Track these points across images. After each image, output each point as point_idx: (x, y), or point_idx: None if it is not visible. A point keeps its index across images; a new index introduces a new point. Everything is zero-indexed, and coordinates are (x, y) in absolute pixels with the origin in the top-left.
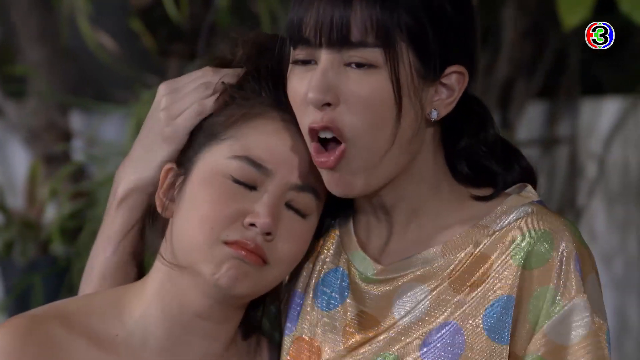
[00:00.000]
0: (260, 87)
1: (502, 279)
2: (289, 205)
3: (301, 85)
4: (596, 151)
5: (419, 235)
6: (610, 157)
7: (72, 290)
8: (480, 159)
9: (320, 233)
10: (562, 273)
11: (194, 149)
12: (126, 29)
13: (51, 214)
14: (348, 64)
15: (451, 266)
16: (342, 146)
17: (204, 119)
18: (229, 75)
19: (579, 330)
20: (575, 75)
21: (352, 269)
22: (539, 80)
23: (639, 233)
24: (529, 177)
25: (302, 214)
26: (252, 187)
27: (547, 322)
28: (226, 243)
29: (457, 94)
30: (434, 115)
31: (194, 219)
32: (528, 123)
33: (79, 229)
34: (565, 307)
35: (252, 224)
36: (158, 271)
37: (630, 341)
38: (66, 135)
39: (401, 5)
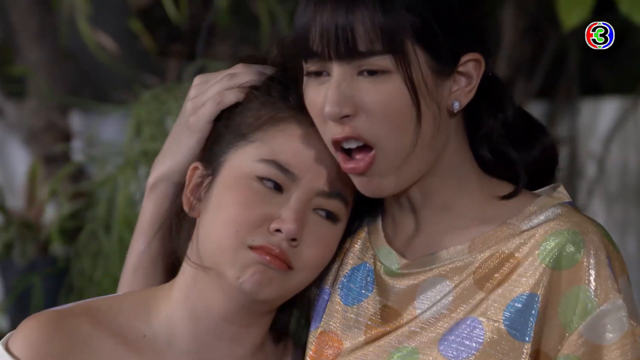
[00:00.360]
0: (288, 91)
1: (527, 277)
2: (317, 211)
3: (317, 97)
4: (595, 151)
5: (447, 231)
6: (609, 158)
7: (72, 290)
8: (499, 145)
9: (348, 233)
10: (595, 273)
11: (222, 149)
12: (125, 29)
13: (51, 214)
14: (360, 73)
15: (476, 263)
16: (373, 152)
17: (231, 119)
18: (256, 72)
19: (615, 330)
20: (574, 75)
21: (378, 263)
22: (539, 81)
23: (638, 233)
24: (549, 154)
25: (331, 219)
26: (278, 191)
27: (582, 322)
28: (251, 248)
29: (475, 81)
30: (456, 106)
31: (219, 221)
32: None
33: (79, 229)
34: (602, 307)
35: (278, 230)
36: (185, 273)
37: None
38: (66, 136)
39: (402, 6)
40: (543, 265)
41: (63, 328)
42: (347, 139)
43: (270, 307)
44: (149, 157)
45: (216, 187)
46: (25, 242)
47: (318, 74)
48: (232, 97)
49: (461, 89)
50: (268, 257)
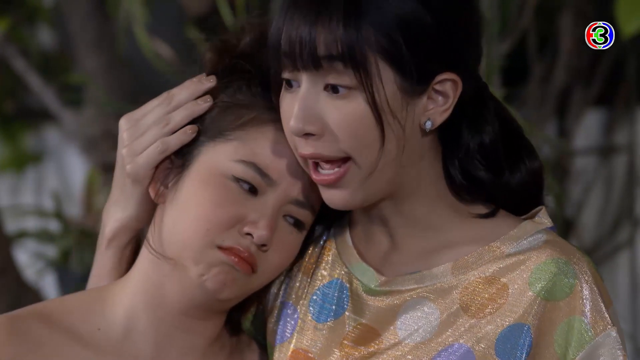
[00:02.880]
0: (269, 93)
1: (517, 306)
2: (286, 217)
3: (289, 109)
4: None
5: (424, 249)
6: None
7: None
8: (467, 166)
9: (309, 241)
10: (590, 304)
11: (196, 141)
12: (182, 37)
13: None
14: (325, 88)
15: (462, 286)
16: (348, 164)
17: (207, 113)
18: (190, 110)
19: None
20: (633, 83)
21: (354, 280)
22: (597, 88)
23: None
24: (534, 180)
25: (298, 227)
26: (253, 193)
27: (579, 353)
28: (220, 248)
29: (452, 101)
30: (428, 125)
31: (190, 216)
32: (585, 131)
33: None
34: (597, 338)
35: (249, 233)
36: (144, 259)
37: None
38: None
39: (368, 21)
40: (534, 294)
41: (15, 332)
42: (312, 157)
43: (226, 306)
44: None
45: (187, 180)
46: (83, 250)
47: (290, 84)
48: (176, 142)
49: (436, 108)
50: (235, 259)
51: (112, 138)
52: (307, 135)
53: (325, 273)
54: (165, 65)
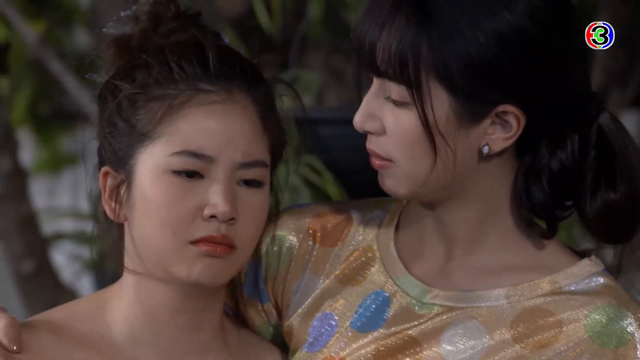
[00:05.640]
0: (172, 71)
1: (569, 346)
2: (240, 183)
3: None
4: None
5: (481, 269)
6: None
7: None
8: (533, 190)
9: (347, 249)
10: None
11: (127, 152)
12: None
13: None
14: (387, 98)
15: (515, 314)
16: (387, 163)
17: (124, 121)
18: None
19: None
20: None
21: (399, 292)
22: (633, 90)
23: None
24: (609, 214)
25: (256, 186)
26: (199, 178)
27: None
28: (193, 242)
29: (514, 132)
30: (485, 150)
31: (152, 225)
32: None
33: None
34: None
35: (213, 216)
36: (129, 276)
37: None
38: None
39: (427, 40)
40: (588, 337)
41: (25, 344)
42: (369, 151)
43: (220, 287)
44: None
45: (136, 191)
46: (121, 252)
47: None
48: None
49: (498, 135)
50: (210, 248)
51: None
52: (366, 132)
53: (366, 283)
54: None
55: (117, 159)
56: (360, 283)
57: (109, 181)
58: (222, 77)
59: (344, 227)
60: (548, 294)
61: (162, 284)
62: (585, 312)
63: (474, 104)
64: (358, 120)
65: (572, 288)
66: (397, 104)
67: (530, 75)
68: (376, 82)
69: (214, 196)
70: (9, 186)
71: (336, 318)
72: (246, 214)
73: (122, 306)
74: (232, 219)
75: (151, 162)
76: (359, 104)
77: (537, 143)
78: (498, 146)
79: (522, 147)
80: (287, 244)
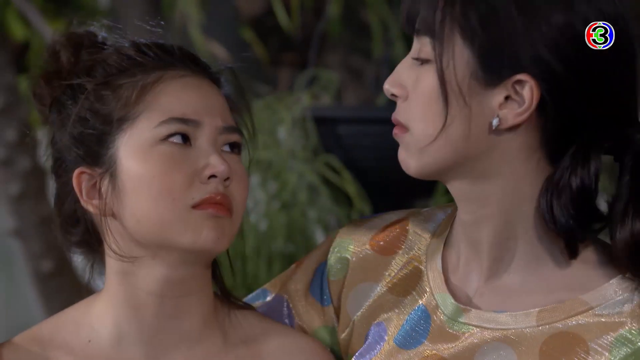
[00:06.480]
0: (134, 58)
1: None
2: (224, 147)
3: None
4: None
5: (516, 288)
6: None
7: None
8: (557, 208)
9: (397, 259)
10: None
11: (105, 143)
12: (237, 38)
13: None
14: (415, 58)
15: (544, 338)
16: (403, 129)
17: (93, 110)
18: None
19: None
20: None
21: (438, 309)
22: None
23: None
24: (636, 246)
25: (238, 151)
26: (187, 143)
27: None
28: (194, 207)
29: (527, 107)
30: (495, 123)
31: (150, 199)
32: None
33: None
34: None
35: (212, 175)
36: (112, 274)
37: None
38: None
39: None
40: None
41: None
42: (394, 121)
43: (205, 270)
44: (261, 166)
45: (123, 176)
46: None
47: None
48: None
49: (511, 109)
50: (213, 209)
51: None
52: (393, 95)
53: (413, 297)
54: None
55: (92, 155)
56: (409, 294)
57: (85, 181)
58: (184, 58)
59: (402, 236)
60: (579, 314)
61: (149, 267)
62: (613, 335)
63: (492, 66)
64: (386, 84)
65: (604, 311)
66: (422, 61)
67: (548, 39)
68: (413, 46)
69: (209, 157)
70: (28, 185)
71: (386, 329)
72: (236, 178)
73: (107, 306)
74: (228, 179)
75: (135, 141)
76: (378, 103)
77: (563, 151)
78: (509, 121)
79: (548, 151)
80: (349, 252)
